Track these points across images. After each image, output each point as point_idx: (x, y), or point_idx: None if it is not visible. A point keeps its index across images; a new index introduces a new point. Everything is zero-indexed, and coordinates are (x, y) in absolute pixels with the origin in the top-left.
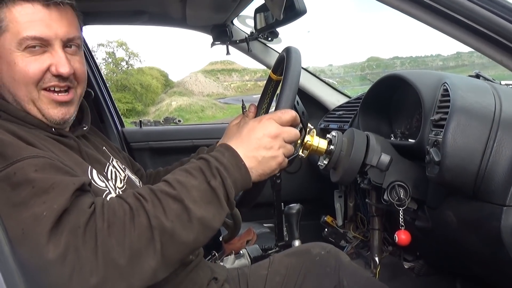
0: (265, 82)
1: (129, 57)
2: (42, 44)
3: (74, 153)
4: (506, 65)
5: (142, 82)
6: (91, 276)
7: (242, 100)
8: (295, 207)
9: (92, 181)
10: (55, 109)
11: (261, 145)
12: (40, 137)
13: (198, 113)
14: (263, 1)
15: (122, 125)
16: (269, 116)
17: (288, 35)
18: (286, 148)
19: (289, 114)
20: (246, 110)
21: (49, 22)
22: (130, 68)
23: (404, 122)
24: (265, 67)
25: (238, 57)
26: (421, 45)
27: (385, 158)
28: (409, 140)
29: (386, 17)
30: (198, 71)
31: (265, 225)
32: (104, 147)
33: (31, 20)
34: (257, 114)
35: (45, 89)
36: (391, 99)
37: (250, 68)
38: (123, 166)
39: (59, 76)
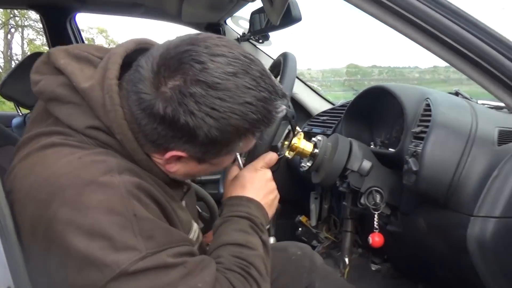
0: None
1: (109, 45)
2: None
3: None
4: (486, 87)
5: None
6: None
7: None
8: None
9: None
10: None
11: (268, 191)
12: (172, 197)
13: None
14: (260, 5)
15: None
16: (260, 163)
17: (272, 34)
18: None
19: (275, 157)
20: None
21: None
22: None
23: (384, 132)
24: None
25: None
26: (399, 56)
27: (367, 164)
28: (389, 149)
29: (367, 26)
30: None
31: None
32: None
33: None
34: None
35: None
36: (374, 109)
37: None
38: None
39: None
